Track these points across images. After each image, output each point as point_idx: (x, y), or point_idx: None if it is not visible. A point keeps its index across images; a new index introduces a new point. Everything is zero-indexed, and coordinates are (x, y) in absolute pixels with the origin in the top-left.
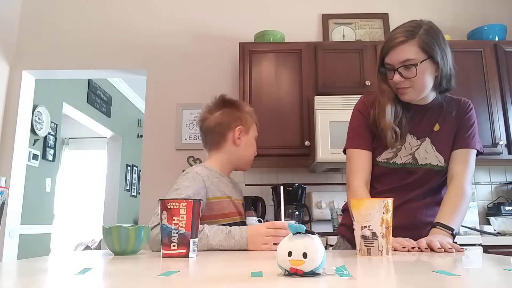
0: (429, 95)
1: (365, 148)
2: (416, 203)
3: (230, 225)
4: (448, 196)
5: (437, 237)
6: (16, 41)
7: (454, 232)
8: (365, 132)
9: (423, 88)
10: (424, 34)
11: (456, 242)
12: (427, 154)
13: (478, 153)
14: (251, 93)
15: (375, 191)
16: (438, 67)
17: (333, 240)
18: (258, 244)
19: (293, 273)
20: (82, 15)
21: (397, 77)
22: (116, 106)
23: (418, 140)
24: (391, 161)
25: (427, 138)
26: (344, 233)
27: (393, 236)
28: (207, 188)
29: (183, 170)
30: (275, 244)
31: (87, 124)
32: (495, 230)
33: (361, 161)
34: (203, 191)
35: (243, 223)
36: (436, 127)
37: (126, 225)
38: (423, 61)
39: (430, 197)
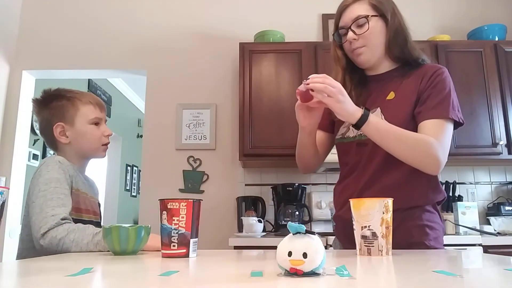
0: (383, 63)
1: (320, 128)
2: (378, 185)
3: (84, 222)
4: None
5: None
6: (16, 41)
7: (364, 113)
8: (325, 112)
9: (377, 47)
10: None
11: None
12: None
13: (457, 124)
14: (251, 93)
15: (342, 176)
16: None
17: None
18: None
19: (293, 273)
20: (82, 15)
21: (350, 34)
22: (116, 106)
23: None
24: (345, 136)
25: (378, 108)
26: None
27: None
28: (71, 177)
29: (183, 170)
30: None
31: None
32: (495, 230)
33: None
34: (70, 180)
35: (98, 224)
36: (391, 96)
37: (126, 225)
38: (374, 16)
39: (389, 174)
